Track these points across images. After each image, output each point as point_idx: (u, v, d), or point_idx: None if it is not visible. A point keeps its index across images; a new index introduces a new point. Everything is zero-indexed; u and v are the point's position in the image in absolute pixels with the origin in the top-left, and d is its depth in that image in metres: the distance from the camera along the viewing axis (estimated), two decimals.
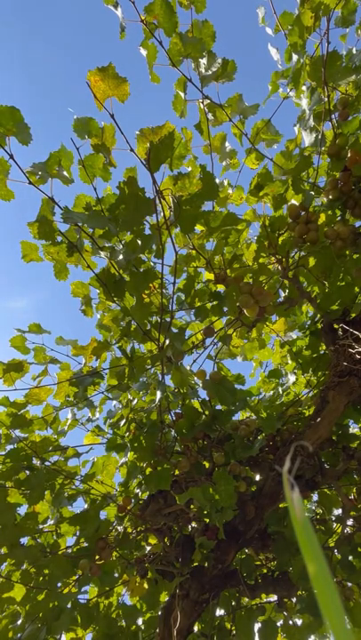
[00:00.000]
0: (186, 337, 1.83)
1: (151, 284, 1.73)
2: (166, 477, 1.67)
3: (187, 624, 1.78)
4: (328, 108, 1.63)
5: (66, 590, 1.90)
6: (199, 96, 1.68)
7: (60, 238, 1.60)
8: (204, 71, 1.62)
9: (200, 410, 1.95)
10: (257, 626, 2.01)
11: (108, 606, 2.20)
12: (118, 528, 1.89)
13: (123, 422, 1.97)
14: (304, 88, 1.71)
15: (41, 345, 2.02)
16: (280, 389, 2.29)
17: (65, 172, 1.55)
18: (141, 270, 1.61)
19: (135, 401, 2.07)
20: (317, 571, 0.16)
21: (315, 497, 2.29)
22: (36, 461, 1.90)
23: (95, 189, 1.60)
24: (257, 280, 1.71)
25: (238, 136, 1.87)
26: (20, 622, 1.89)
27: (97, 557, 1.75)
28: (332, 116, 1.68)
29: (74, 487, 2.01)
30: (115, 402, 2.16)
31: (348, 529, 2.07)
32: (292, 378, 2.29)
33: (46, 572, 1.88)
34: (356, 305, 1.70)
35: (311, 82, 1.65)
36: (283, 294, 1.90)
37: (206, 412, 1.93)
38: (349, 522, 2.06)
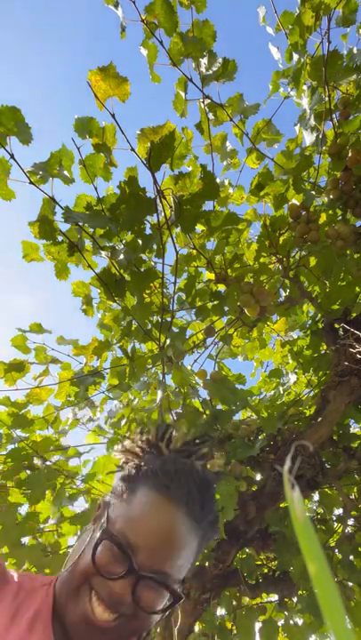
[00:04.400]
0: (187, 336, 1.83)
1: (152, 284, 1.73)
2: None
3: (187, 623, 1.78)
4: (329, 107, 1.63)
5: None
6: (200, 96, 1.68)
7: (60, 238, 1.60)
8: (204, 71, 1.62)
9: (201, 409, 1.95)
10: (258, 625, 2.01)
11: None
12: None
13: (124, 422, 1.97)
14: (305, 87, 1.71)
15: (42, 344, 2.02)
16: (281, 389, 2.29)
17: (66, 172, 1.55)
18: (142, 270, 1.61)
19: (136, 400, 2.07)
20: (318, 570, 0.16)
21: (316, 497, 2.29)
22: (37, 461, 1.90)
23: (96, 189, 1.60)
24: (258, 280, 1.71)
25: (239, 136, 1.87)
26: None
27: None
28: (333, 115, 1.68)
29: (75, 487, 2.01)
30: (116, 401, 2.16)
31: (348, 528, 2.07)
32: (292, 377, 2.29)
33: (47, 571, 1.88)
34: (357, 305, 1.70)
35: (312, 81, 1.65)
36: (283, 294, 1.90)
37: (207, 412, 1.93)
38: (350, 521, 2.06)
